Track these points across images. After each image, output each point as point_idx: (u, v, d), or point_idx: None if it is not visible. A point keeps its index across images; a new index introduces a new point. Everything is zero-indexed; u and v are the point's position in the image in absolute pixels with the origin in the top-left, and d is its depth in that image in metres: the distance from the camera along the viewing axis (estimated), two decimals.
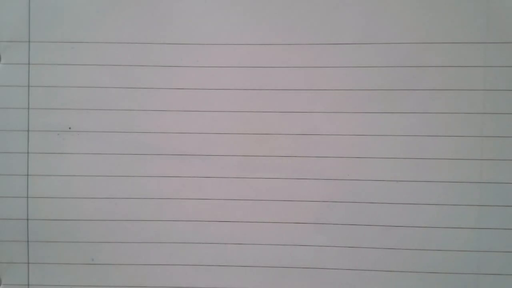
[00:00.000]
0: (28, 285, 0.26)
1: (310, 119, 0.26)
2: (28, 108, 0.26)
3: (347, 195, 0.26)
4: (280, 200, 0.25)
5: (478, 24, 0.25)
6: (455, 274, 0.25)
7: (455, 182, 0.25)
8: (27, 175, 0.26)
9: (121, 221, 0.26)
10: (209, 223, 0.26)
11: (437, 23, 0.25)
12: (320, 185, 0.26)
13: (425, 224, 0.25)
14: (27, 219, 0.26)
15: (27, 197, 0.26)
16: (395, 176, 0.25)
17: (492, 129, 0.25)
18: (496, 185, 0.25)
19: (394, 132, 0.25)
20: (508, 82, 0.25)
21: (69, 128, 0.26)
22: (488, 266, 0.25)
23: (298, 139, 0.26)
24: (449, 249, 0.25)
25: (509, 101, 0.25)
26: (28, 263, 0.26)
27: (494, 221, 0.25)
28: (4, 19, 0.26)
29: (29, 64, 0.26)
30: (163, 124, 0.26)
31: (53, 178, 0.26)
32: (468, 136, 0.25)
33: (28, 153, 0.26)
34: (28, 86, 0.26)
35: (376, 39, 0.25)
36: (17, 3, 0.26)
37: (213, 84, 0.26)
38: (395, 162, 0.25)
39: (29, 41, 0.26)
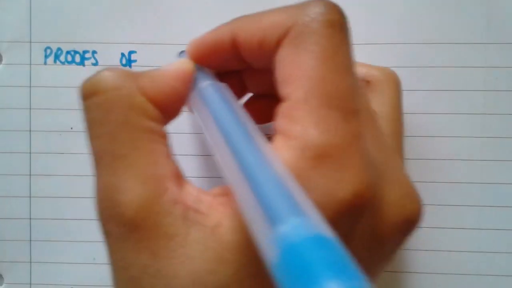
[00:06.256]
0: (30, 284, 0.26)
1: None
2: (30, 109, 0.26)
3: None
4: None
5: (479, 25, 0.25)
6: (455, 274, 0.25)
7: (455, 183, 0.25)
8: (30, 175, 0.26)
9: None
10: None
11: (437, 23, 0.25)
12: None
13: (425, 224, 0.25)
14: (30, 219, 0.26)
15: (30, 197, 0.26)
16: None
17: (492, 130, 0.25)
18: (496, 186, 0.25)
19: None
20: (508, 83, 0.25)
21: (71, 128, 0.26)
22: (488, 267, 0.25)
23: None
24: (449, 249, 0.25)
25: (509, 101, 0.25)
26: (31, 262, 0.26)
27: (494, 222, 0.25)
28: (5, 20, 0.26)
29: (30, 64, 0.26)
30: None
31: (55, 178, 0.26)
32: (468, 137, 0.25)
33: (30, 153, 0.26)
34: (30, 87, 0.26)
35: (376, 39, 0.25)
36: (18, 3, 0.26)
37: None
38: None
39: (30, 42, 0.26)
